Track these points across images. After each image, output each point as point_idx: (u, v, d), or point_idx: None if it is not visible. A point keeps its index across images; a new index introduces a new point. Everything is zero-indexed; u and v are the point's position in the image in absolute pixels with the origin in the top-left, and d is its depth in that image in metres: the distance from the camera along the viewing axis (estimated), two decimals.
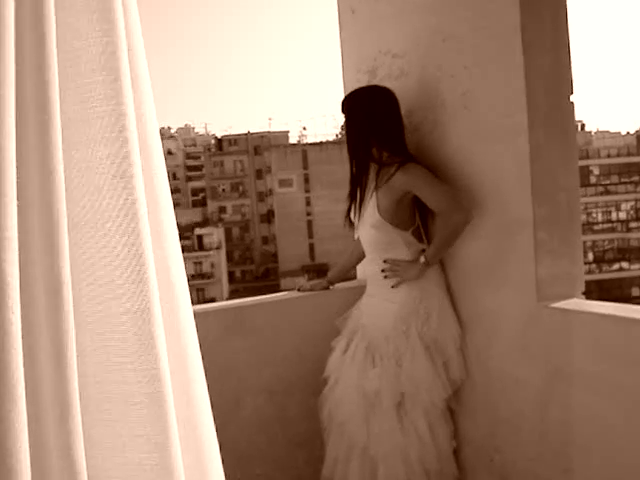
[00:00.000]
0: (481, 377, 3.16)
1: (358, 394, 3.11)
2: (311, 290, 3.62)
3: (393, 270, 3.12)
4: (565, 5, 2.82)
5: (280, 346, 3.47)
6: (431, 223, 3.23)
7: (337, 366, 3.24)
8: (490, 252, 3.04)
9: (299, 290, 3.63)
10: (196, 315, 3.22)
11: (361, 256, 3.47)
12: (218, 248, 61.12)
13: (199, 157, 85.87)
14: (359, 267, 3.79)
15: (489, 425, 3.15)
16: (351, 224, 3.30)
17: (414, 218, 3.18)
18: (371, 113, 3.12)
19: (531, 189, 2.81)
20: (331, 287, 3.62)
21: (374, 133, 3.12)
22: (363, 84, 3.57)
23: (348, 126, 3.21)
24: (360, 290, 3.42)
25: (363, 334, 3.21)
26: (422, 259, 3.06)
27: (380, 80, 3.48)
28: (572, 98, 2.88)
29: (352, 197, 3.23)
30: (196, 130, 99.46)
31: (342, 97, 3.30)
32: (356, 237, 3.41)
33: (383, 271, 3.14)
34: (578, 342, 2.70)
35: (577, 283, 2.94)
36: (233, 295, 60.14)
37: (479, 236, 3.06)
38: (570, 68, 2.87)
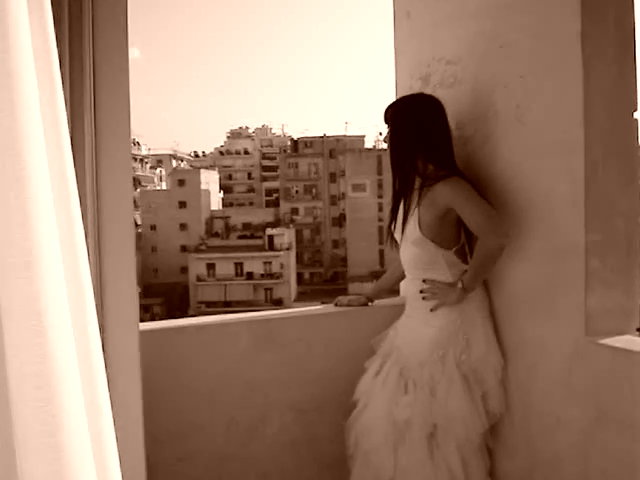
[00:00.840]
0: (521, 413, 2.93)
1: (387, 422, 2.92)
2: (349, 305, 3.44)
3: (432, 292, 2.91)
4: (632, 12, 2.57)
5: (312, 363, 3.30)
6: (476, 243, 3.02)
7: (367, 389, 3.05)
8: (538, 278, 2.80)
9: (336, 305, 3.46)
10: (224, 325, 3.13)
11: (402, 275, 3.27)
12: (288, 249, 61.45)
13: (275, 158, 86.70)
14: (402, 284, 3.59)
15: (527, 466, 2.90)
16: (393, 241, 3.11)
17: (459, 236, 2.97)
18: (418, 123, 2.93)
19: (585, 212, 2.57)
20: (370, 304, 3.43)
21: (420, 144, 2.92)
22: (415, 91, 3.38)
23: (392, 137, 3.02)
24: (400, 309, 3.22)
25: (397, 357, 3.02)
26: (459, 284, 2.85)
27: (433, 87, 3.28)
28: (636, 115, 2.63)
29: (394, 212, 3.04)
30: (273, 131, 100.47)
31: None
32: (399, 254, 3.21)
33: (422, 292, 2.94)
34: (628, 385, 2.44)
35: (631, 318, 2.68)
36: (301, 297, 60.35)
37: (527, 260, 2.83)
38: (635, 82, 2.62)
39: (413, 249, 2.94)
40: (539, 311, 2.80)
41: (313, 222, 73.10)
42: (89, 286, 1.23)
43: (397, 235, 3.04)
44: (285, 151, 79.40)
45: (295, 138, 79.24)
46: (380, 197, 64.56)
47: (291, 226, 66.23)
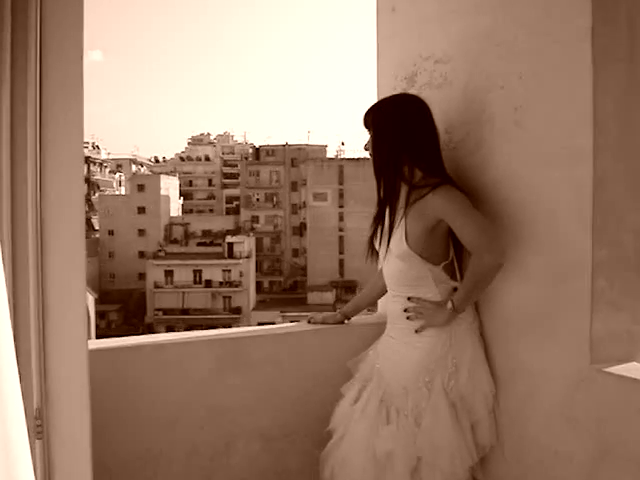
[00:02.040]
0: (514, 445, 2.66)
1: (367, 455, 2.63)
2: (323, 323, 3.15)
3: (418, 311, 2.64)
4: None
5: (281, 386, 3.01)
6: (466, 257, 2.75)
7: (345, 418, 2.76)
8: (537, 299, 2.54)
9: (309, 322, 3.17)
10: (186, 344, 2.81)
11: (382, 290, 3.00)
12: (248, 257, 60.99)
13: (236, 165, 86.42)
14: (380, 302, 3.32)
15: None
16: (374, 253, 2.83)
17: (448, 251, 2.71)
18: (402, 124, 2.65)
19: (591, 227, 2.32)
20: (346, 321, 3.15)
21: (406, 148, 2.65)
22: (399, 92, 3.12)
23: (375, 141, 2.72)
24: (380, 328, 2.94)
25: (378, 382, 2.73)
26: (449, 304, 2.58)
27: (419, 88, 3.02)
28: None
29: (378, 222, 2.75)
30: (235, 138, 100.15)
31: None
32: (380, 268, 2.93)
33: (406, 310, 2.66)
34: (637, 418, 2.20)
35: (638, 344, 2.44)
36: (260, 305, 59.96)
37: (525, 279, 2.57)
38: None
39: (398, 264, 2.67)
40: (537, 335, 2.55)
41: (273, 230, 72.70)
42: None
43: (380, 248, 2.76)
44: (247, 158, 78.94)
45: (257, 146, 78.78)
46: (341, 207, 64.57)
47: (251, 234, 65.73)
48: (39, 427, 1.65)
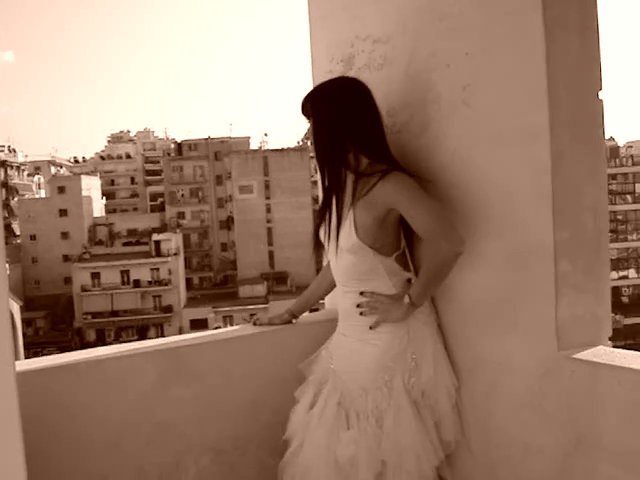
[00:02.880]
0: (480, 440, 2.55)
1: (328, 462, 2.46)
2: (270, 324, 2.97)
3: (372, 306, 2.49)
4: None
5: (229, 395, 2.82)
6: (417, 246, 2.61)
7: (302, 425, 2.59)
8: (497, 286, 2.42)
9: (255, 324, 2.98)
10: (124, 359, 2.58)
11: (330, 285, 2.85)
12: (176, 254, 60.17)
13: (158, 161, 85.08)
14: (328, 297, 3.15)
15: None
16: (319, 246, 2.65)
17: (399, 241, 2.56)
18: (343, 110, 2.48)
19: (552, 208, 2.20)
20: (294, 321, 2.98)
21: (349, 134, 2.47)
22: (336, 76, 2.95)
23: (315, 129, 2.54)
24: (330, 325, 2.78)
25: (334, 384, 2.57)
26: (406, 299, 2.43)
27: (357, 70, 2.86)
28: (601, 95, 2.29)
29: (323, 214, 2.58)
30: (156, 134, 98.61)
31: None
32: (326, 262, 2.76)
33: (359, 306, 2.51)
34: (609, 404, 2.10)
35: (604, 326, 2.35)
36: (191, 302, 59.28)
37: (483, 266, 2.45)
38: (599, 57, 2.29)
39: (348, 257, 2.50)
40: (498, 324, 2.43)
41: (200, 226, 71.82)
42: None
43: (328, 242, 2.58)
44: (169, 154, 77.56)
45: (179, 141, 77.54)
46: (268, 198, 64.30)
47: (178, 231, 64.78)
48: None
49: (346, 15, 2.95)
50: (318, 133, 2.54)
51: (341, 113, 2.48)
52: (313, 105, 2.55)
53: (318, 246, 2.67)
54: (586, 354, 2.21)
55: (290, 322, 2.97)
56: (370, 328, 2.50)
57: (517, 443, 2.41)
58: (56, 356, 2.67)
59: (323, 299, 3.08)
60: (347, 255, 2.49)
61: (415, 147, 2.66)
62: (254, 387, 2.85)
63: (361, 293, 2.52)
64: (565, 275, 2.24)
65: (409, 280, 2.53)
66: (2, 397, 1.63)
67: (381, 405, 2.46)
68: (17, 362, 2.39)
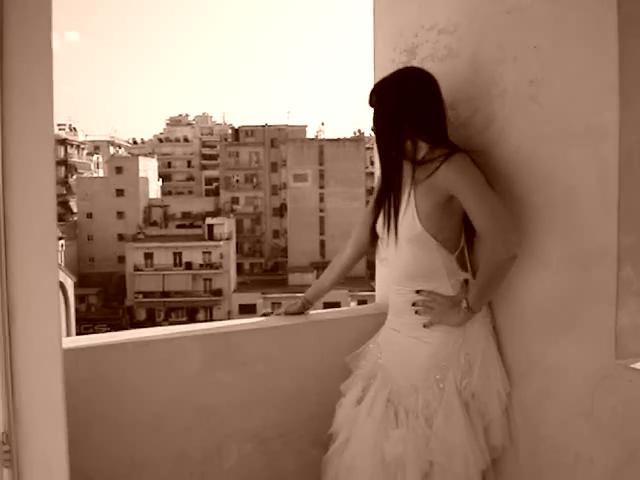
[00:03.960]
0: (529, 446, 2.48)
1: (375, 460, 2.42)
2: (286, 314, 2.94)
3: (428, 305, 2.43)
4: None
5: (274, 384, 2.80)
6: (476, 246, 2.54)
7: (349, 420, 2.55)
8: (556, 289, 2.34)
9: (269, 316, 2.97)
10: (172, 341, 2.58)
11: (342, 270, 2.87)
12: (228, 239, 60.61)
13: (215, 146, 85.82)
14: (379, 291, 3.11)
15: None
16: (376, 240, 2.60)
17: (461, 238, 2.49)
18: (403, 98, 2.43)
19: (618, 211, 2.12)
20: (307, 312, 2.95)
21: (408, 119, 2.42)
22: (399, 66, 2.88)
23: (376, 118, 2.51)
24: (378, 319, 2.74)
25: (384, 380, 2.52)
26: (464, 303, 2.37)
27: (421, 61, 2.80)
28: None
29: (380, 204, 2.53)
30: (214, 119, 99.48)
31: (372, 84, 2.62)
32: (382, 257, 2.67)
33: (414, 304, 2.45)
34: None
35: None
36: (241, 287, 59.72)
37: (542, 267, 2.37)
38: None
39: (410, 250, 2.43)
40: (555, 328, 2.35)
41: (254, 212, 72.22)
42: None
43: (385, 234, 2.52)
44: (226, 139, 78.13)
45: (236, 127, 77.95)
46: (322, 187, 64.30)
47: (231, 216, 65.18)
48: (7, 454, 1.43)
49: (411, 4, 2.89)
50: (378, 122, 2.51)
51: (401, 100, 2.44)
52: (378, 95, 2.51)
53: (375, 239, 2.62)
54: None
55: (306, 309, 2.94)
56: (424, 326, 2.44)
57: (566, 452, 2.33)
58: (104, 335, 2.68)
59: (333, 289, 3.00)
60: (408, 247, 2.43)
61: (478, 142, 2.59)
62: (299, 377, 2.83)
63: (418, 292, 2.46)
64: (628, 282, 2.15)
65: (466, 281, 2.46)
66: (49, 373, 1.63)
67: (431, 404, 2.41)
68: (65, 339, 2.41)
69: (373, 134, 2.56)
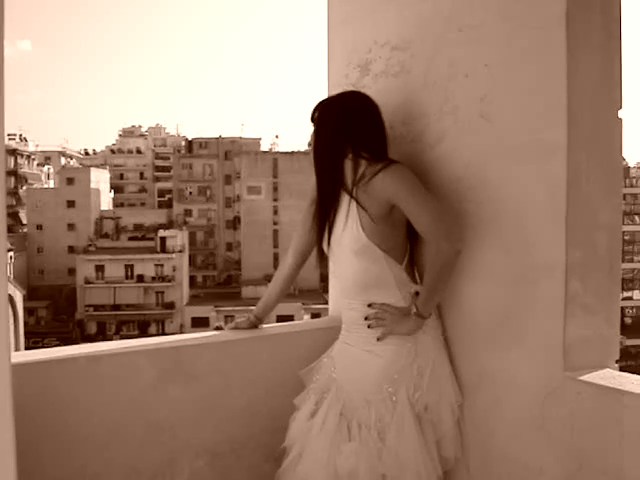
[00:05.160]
0: (479, 458, 2.50)
1: (328, 474, 2.42)
2: (236, 328, 2.93)
3: (380, 317, 2.44)
4: None
5: (227, 398, 2.77)
6: (421, 256, 2.57)
7: (302, 434, 2.54)
8: (504, 302, 2.38)
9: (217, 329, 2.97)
10: (122, 355, 2.55)
11: (286, 282, 2.90)
12: (181, 251, 60.17)
13: (168, 158, 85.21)
14: (331, 304, 3.12)
15: None
16: (323, 256, 2.62)
17: (406, 247, 2.53)
18: (346, 119, 2.49)
19: (565, 226, 2.16)
20: (260, 326, 2.95)
21: (349, 138, 2.48)
22: (352, 81, 2.94)
23: (316, 133, 2.57)
24: (332, 332, 2.74)
25: (337, 394, 2.53)
26: (413, 308, 2.40)
27: (374, 77, 2.83)
28: (620, 114, 2.26)
29: (322, 220, 2.55)
30: (167, 130, 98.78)
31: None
32: (331, 272, 2.70)
33: (367, 318, 2.46)
34: (615, 429, 2.06)
35: (611, 349, 2.31)
36: (194, 300, 59.24)
37: (491, 280, 2.41)
38: (620, 75, 2.25)
39: (355, 262, 2.46)
40: (505, 340, 2.38)
41: (207, 224, 71.81)
42: None
43: (329, 249, 2.55)
44: (179, 151, 77.61)
45: (190, 138, 77.57)
46: (275, 200, 64.25)
47: (184, 228, 64.70)
48: None
49: (365, 20, 2.92)
50: (319, 138, 2.55)
51: (344, 120, 2.49)
52: (321, 112, 2.56)
53: (322, 255, 2.64)
54: (592, 376, 2.17)
55: (256, 326, 2.93)
56: (377, 340, 2.46)
57: (517, 463, 2.36)
58: (54, 349, 2.63)
59: (280, 301, 3.00)
60: (355, 258, 2.45)
61: (429, 158, 2.62)
62: (252, 391, 2.81)
63: (369, 305, 2.48)
64: (575, 295, 2.20)
65: (417, 293, 2.49)
66: None
67: (384, 418, 2.42)
68: (14, 353, 2.36)
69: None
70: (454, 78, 2.50)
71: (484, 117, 2.39)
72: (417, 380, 2.43)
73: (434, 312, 2.49)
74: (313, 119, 2.58)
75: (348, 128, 2.48)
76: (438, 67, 2.56)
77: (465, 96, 2.46)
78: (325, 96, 2.73)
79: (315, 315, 44.19)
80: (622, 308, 53.16)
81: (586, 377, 2.17)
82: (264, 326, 2.97)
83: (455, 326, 2.57)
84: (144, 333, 54.17)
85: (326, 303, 3.33)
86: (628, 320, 55.26)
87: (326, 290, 3.20)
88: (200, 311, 55.58)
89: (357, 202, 2.42)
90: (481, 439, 2.49)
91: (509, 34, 2.30)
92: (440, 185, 2.55)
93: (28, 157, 77.03)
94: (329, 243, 2.54)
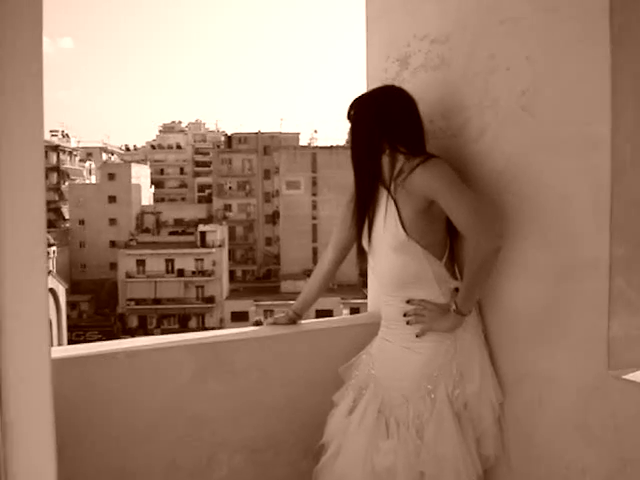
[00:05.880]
0: (521, 456, 2.47)
1: (365, 471, 2.41)
2: (274, 324, 2.93)
3: (419, 313, 2.42)
4: None
5: (266, 394, 2.78)
6: (459, 249, 2.55)
7: (340, 431, 2.54)
8: (547, 299, 2.33)
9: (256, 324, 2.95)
10: (162, 350, 2.56)
11: (326, 277, 2.89)
12: (221, 246, 60.50)
13: (208, 153, 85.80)
14: (371, 299, 3.11)
15: None
16: (363, 253, 2.60)
17: (447, 243, 2.50)
18: (382, 114, 2.47)
19: (610, 222, 2.11)
20: (299, 322, 2.94)
21: (386, 135, 2.46)
22: (391, 75, 2.91)
23: (353, 130, 2.55)
24: (372, 329, 2.73)
25: (375, 391, 2.51)
26: (452, 306, 2.37)
27: (413, 71, 2.80)
28: None
29: (361, 217, 2.54)
30: (207, 126, 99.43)
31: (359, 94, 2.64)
32: (371, 268, 2.68)
33: (405, 315, 2.44)
34: None
35: None
36: (233, 294, 59.59)
37: (533, 277, 2.37)
38: None
39: (394, 258, 2.44)
40: (547, 338, 2.34)
41: (246, 219, 72.13)
42: None
43: (371, 244, 2.53)
44: (219, 146, 78.13)
45: (229, 134, 77.97)
46: (314, 195, 64.27)
47: (224, 223, 65.07)
48: None
49: (404, 13, 2.89)
50: (355, 135, 2.54)
51: (380, 115, 2.47)
52: (356, 109, 2.54)
53: (362, 253, 2.62)
54: (637, 375, 2.12)
55: (295, 322, 2.93)
56: (416, 336, 2.44)
57: (559, 462, 2.33)
58: (94, 344, 2.66)
59: (319, 297, 2.99)
60: (392, 256, 2.44)
61: (470, 152, 2.59)
62: (291, 387, 2.81)
63: (408, 301, 2.46)
64: (620, 292, 2.14)
65: (457, 289, 2.46)
66: (37, 384, 1.61)
67: (423, 415, 2.40)
68: (54, 348, 2.39)
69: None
70: (495, 71, 2.46)
71: (526, 110, 2.35)
72: (456, 377, 2.41)
73: (474, 309, 2.46)
74: (349, 117, 2.57)
75: (383, 124, 2.46)
76: (478, 60, 2.52)
77: (506, 89, 2.42)
78: (364, 91, 2.71)
79: (354, 310, 44.18)
80: None
81: (630, 376, 2.12)
82: (303, 322, 2.97)
83: (495, 323, 2.53)
84: (184, 327, 54.67)
85: (365, 298, 3.31)
86: None
87: (365, 285, 3.18)
88: (239, 305, 55.90)
89: (394, 198, 2.40)
90: (522, 438, 2.46)
91: (551, 26, 2.25)
92: (481, 180, 2.52)
93: (70, 153, 78.17)
94: (369, 239, 2.53)
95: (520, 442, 2.47)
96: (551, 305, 2.32)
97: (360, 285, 48.85)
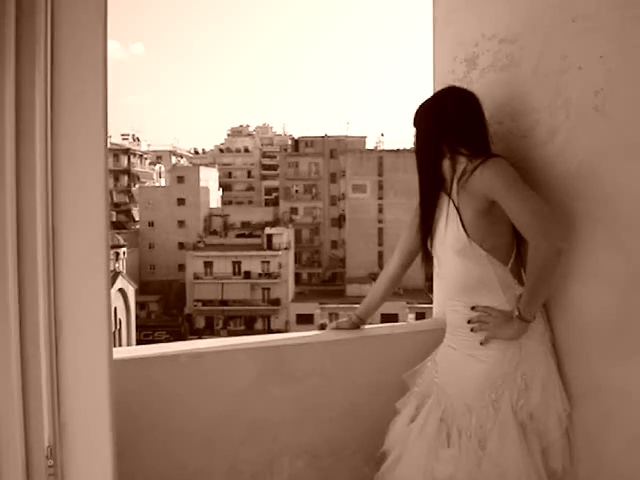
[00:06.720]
0: (590, 471, 2.37)
1: (426, 479, 2.36)
2: (337, 329, 2.91)
3: (483, 320, 2.36)
4: None
5: (328, 399, 2.75)
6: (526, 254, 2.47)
7: (401, 438, 2.49)
8: (620, 307, 2.24)
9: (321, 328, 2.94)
10: (225, 353, 2.57)
11: (391, 283, 2.85)
12: (287, 249, 60.84)
13: (275, 156, 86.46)
14: (437, 305, 3.04)
15: None
16: (429, 257, 2.55)
17: (513, 247, 2.42)
18: (440, 116, 2.46)
19: None
20: (362, 327, 2.91)
21: (444, 137, 2.44)
22: (458, 76, 2.85)
23: (417, 139, 2.54)
24: (437, 335, 2.67)
25: (438, 399, 2.46)
26: (515, 312, 2.30)
27: (481, 71, 2.74)
28: None
29: (425, 220, 2.50)
30: (274, 130, 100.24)
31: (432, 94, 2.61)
32: (436, 273, 2.63)
33: (469, 322, 2.38)
34: None
35: None
36: (299, 297, 59.85)
37: (605, 283, 2.27)
38: None
39: (458, 262, 2.39)
40: (620, 349, 2.25)
41: (312, 222, 72.35)
42: None
43: (435, 248, 2.49)
44: (286, 150, 78.65)
45: (296, 137, 78.41)
46: (380, 198, 64.04)
47: (290, 226, 65.43)
48: (51, 468, 1.41)
49: (472, 13, 2.83)
50: (417, 141, 2.54)
51: (437, 120, 2.46)
52: (418, 117, 2.55)
53: (428, 257, 2.57)
54: None
55: (358, 327, 2.90)
56: (480, 344, 2.37)
57: (631, 478, 2.23)
58: (156, 345, 2.68)
59: (384, 301, 2.95)
60: (458, 259, 2.39)
61: (540, 154, 2.51)
62: (354, 393, 2.78)
63: (472, 308, 2.40)
64: None
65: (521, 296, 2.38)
66: (96, 385, 1.62)
67: (485, 425, 2.34)
68: (117, 349, 2.40)
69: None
70: (567, 71, 2.37)
71: (599, 111, 2.26)
72: (521, 387, 2.33)
73: (541, 317, 2.39)
74: (414, 123, 2.56)
75: (440, 127, 2.44)
76: (549, 60, 2.44)
77: (578, 89, 2.33)
78: (431, 92, 2.68)
79: (419, 314, 43.85)
80: None
81: None
82: (366, 327, 2.94)
83: (564, 331, 2.44)
84: (250, 329, 55.21)
85: (431, 303, 3.26)
86: None
87: (431, 289, 3.13)
88: (305, 308, 56.09)
89: (454, 201, 2.36)
90: (592, 452, 2.36)
91: (625, 23, 2.16)
92: (553, 182, 2.43)
93: (140, 156, 79.80)
94: (433, 243, 2.48)
95: (589, 457, 2.37)
96: (625, 314, 2.22)
97: (426, 290, 48.49)
